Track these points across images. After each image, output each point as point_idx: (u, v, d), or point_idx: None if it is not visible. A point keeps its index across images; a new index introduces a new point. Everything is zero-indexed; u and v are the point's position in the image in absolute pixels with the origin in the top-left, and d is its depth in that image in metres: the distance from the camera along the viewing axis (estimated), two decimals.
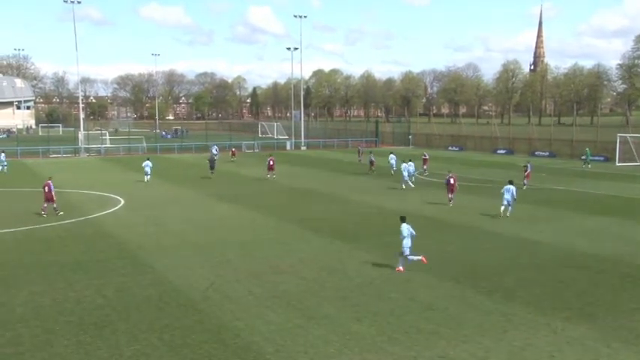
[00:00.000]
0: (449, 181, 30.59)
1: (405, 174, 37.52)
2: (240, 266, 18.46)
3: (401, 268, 17.80)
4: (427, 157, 49.41)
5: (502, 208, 27.10)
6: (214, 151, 56.58)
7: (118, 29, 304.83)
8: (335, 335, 12.67)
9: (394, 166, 45.38)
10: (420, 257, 17.83)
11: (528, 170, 37.97)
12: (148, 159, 43.33)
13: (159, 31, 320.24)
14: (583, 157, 53.75)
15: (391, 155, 47.80)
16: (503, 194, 27.37)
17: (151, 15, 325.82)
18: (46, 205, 27.53)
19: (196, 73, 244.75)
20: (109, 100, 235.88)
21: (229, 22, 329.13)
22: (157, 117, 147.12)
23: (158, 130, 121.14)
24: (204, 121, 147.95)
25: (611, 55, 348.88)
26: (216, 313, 14.11)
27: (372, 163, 46.98)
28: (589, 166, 51.89)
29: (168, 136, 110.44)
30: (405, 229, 17.79)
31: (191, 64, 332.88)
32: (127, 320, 13.61)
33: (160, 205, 31.11)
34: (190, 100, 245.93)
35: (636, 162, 54.09)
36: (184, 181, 42.32)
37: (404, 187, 37.03)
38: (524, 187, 35.84)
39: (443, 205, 30.48)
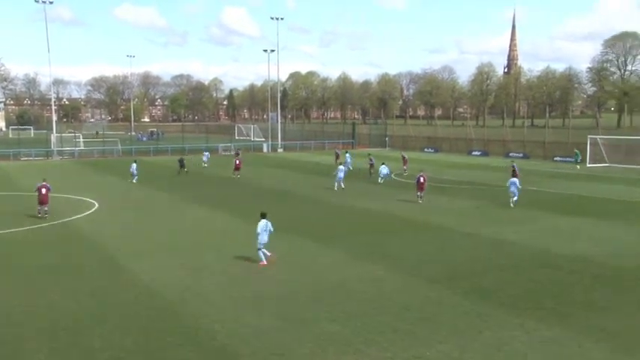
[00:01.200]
0: (419, 179, 32.03)
1: (341, 175, 37.99)
2: (216, 269, 18.36)
3: (264, 262, 18.47)
4: (406, 157, 50.33)
5: (511, 199, 30.37)
6: (205, 159, 56.86)
7: (91, 30, 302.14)
8: (310, 336, 12.66)
9: (350, 165, 48.24)
10: (269, 255, 18.53)
11: (516, 170, 38.37)
12: (135, 162, 44.64)
13: (133, 32, 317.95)
14: (573, 159, 55.26)
15: (347, 155, 51.06)
16: (509, 187, 30.61)
17: (124, 16, 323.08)
18: (46, 207, 27.41)
19: (172, 75, 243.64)
20: (82, 102, 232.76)
21: (204, 24, 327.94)
22: (132, 119, 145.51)
23: (133, 133, 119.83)
24: (180, 124, 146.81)
25: (581, 59, 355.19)
26: (192, 316, 14.01)
27: (371, 166, 46.48)
28: (578, 167, 53.09)
29: (144, 139, 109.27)
30: (263, 224, 18.39)
31: (166, 65, 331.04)
32: (102, 325, 13.42)
33: (135, 208, 30.79)
34: (166, 102, 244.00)
35: (606, 163, 55.06)
36: (160, 184, 41.96)
37: (335, 188, 37.53)
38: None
39: (418, 206, 30.70)
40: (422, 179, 31.99)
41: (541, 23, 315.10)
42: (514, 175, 37.57)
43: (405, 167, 48.05)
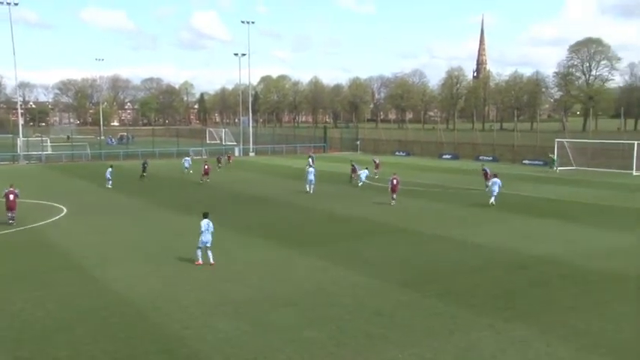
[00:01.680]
0: (392, 181, 33.10)
1: (312, 177, 38.44)
2: (188, 274, 18.18)
3: (200, 261, 19.09)
4: (378, 161, 51.48)
5: (492, 199, 32.16)
6: (187, 165, 52.75)
7: (58, 33, 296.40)
8: (284, 342, 12.61)
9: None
10: (199, 258, 19.14)
11: (488, 173, 39.23)
12: (111, 166, 43.84)
13: (101, 35, 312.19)
14: (550, 162, 56.07)
15: (309, 159, 51.47)
16: (491, 187, 32.94)
17: (91, 19, 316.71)
18: (13, 213, 26.81)
19: (142, 79, 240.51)
20: (50, 106, 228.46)
21: (174, 27, 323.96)
22: (101, 123, 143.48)
23: (103, 137, 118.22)
24: (150, 128, 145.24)
25: (548, 64, 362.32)
26: (163, 323, 13.84)
27: (353, 171, 45.25)
28: (557, 169, 53.88)
29: (114, 143, 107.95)
30: (205, 224, 19.05)
31: (136, 69, 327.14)
32: (70, 333, 13.17)
33: (105, 214, 30.34)
34: (136, 106, 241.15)
35: (573, 166, 56.10)
36: (130, 188, 41.39)
37: (307, 190, 38.09)
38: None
39: (391, 209, 30.89)
40: (395, 181, 33.04)
41: (508, 28, 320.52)
42: (486, 177, 38.39)
43: (376, 171, 48.43)
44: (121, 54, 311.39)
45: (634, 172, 50.68)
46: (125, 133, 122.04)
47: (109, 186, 41.50)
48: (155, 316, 14.30)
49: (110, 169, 42.70)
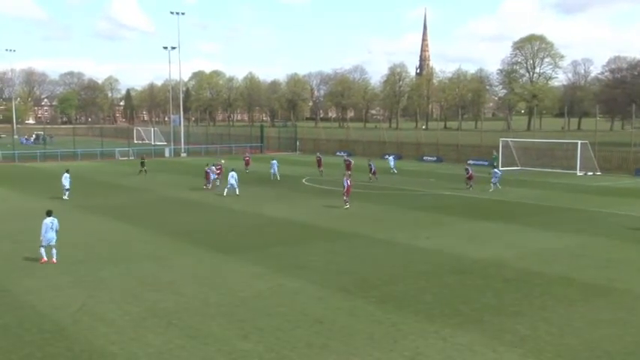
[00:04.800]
0: (346, 182, 33.28)
1: (233, 182, 37.93)
2: (115, 285, 17.76)
3: (45, 258, 20.00)
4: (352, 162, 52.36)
5: (493, 184, 40.68)
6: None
7: None
8: (220, 355, 12.50)
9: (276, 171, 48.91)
10: (44, 256, 20.07)
11: (470, 172, 41.59)
12: (67, 171, 37.66)
13: (9, 24, 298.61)
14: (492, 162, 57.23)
15: (273, 162, 50.26)
16: (492, 176, 41.27)
17: None
18: None
19: (60, 73, 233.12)
20: None
21: (90, 17, 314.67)
22: (14, 120, 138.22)
23: (17, 136, 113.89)
24: (71, 126, 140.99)
25: (492, 61, 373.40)
26: (87, 338, 13.46)
27: (373, 172, 46.64)
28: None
29: (30, 142, 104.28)
30: (49, 222, 19.97)
31: (51, 62, 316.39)
32: None
33: (19, 220, 29.20)
34: (54, 103, 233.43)
35: (518, 166, 57.96)
36: (48, 191, 39.89)
37: (225, 193, 37.78)
38: (470, 188, 40.82)
39: (332, 213, 31.08)
40: (349, 182, 33.26)
41: (450, 23, 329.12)
42: (468, 177, 41.29)
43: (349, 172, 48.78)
44: (33, 45, 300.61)
45: (578, 172, 52.82)
46: (42, 132, 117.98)
47: (66, 197, 35.99)
48: (76, 331, 13.88)
49: (66, 175, 36.60)
